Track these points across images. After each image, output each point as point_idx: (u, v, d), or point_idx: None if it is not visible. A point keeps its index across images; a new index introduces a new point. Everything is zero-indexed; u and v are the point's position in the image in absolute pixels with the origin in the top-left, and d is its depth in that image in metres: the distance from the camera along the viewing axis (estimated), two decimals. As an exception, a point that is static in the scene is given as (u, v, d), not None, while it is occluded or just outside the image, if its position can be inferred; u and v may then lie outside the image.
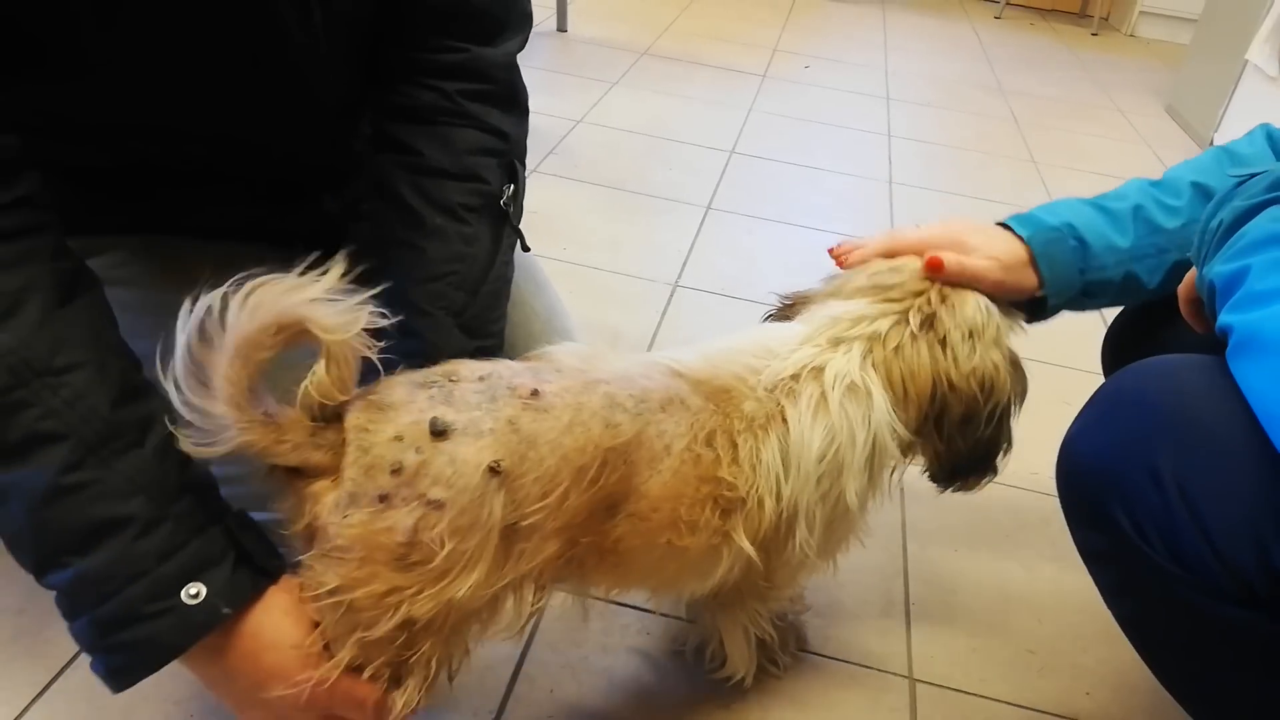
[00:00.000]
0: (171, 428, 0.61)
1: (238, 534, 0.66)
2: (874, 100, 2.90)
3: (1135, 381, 0.71)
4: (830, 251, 0.91)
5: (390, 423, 0.63)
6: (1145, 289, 0.87)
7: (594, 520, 0.69)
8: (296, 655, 0.65)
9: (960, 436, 0.82)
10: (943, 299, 0.81)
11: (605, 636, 1.00)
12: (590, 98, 2.54)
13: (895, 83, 3.09)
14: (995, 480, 0.88)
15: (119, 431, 0.62)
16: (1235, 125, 2.68)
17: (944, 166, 2.48)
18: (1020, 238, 0.85)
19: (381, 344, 0.61)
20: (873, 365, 0.79)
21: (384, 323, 0.60)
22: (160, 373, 0.58)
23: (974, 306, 0.81)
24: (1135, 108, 3.20)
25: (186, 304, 0.57)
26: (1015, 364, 0.84)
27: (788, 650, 0.98)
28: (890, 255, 0.86)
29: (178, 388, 0.58)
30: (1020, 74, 3.41)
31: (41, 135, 0.68)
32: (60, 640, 0.90)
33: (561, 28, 3.05)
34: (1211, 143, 2.77)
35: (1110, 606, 0.78)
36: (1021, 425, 0.86)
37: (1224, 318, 0.64)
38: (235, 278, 0.57)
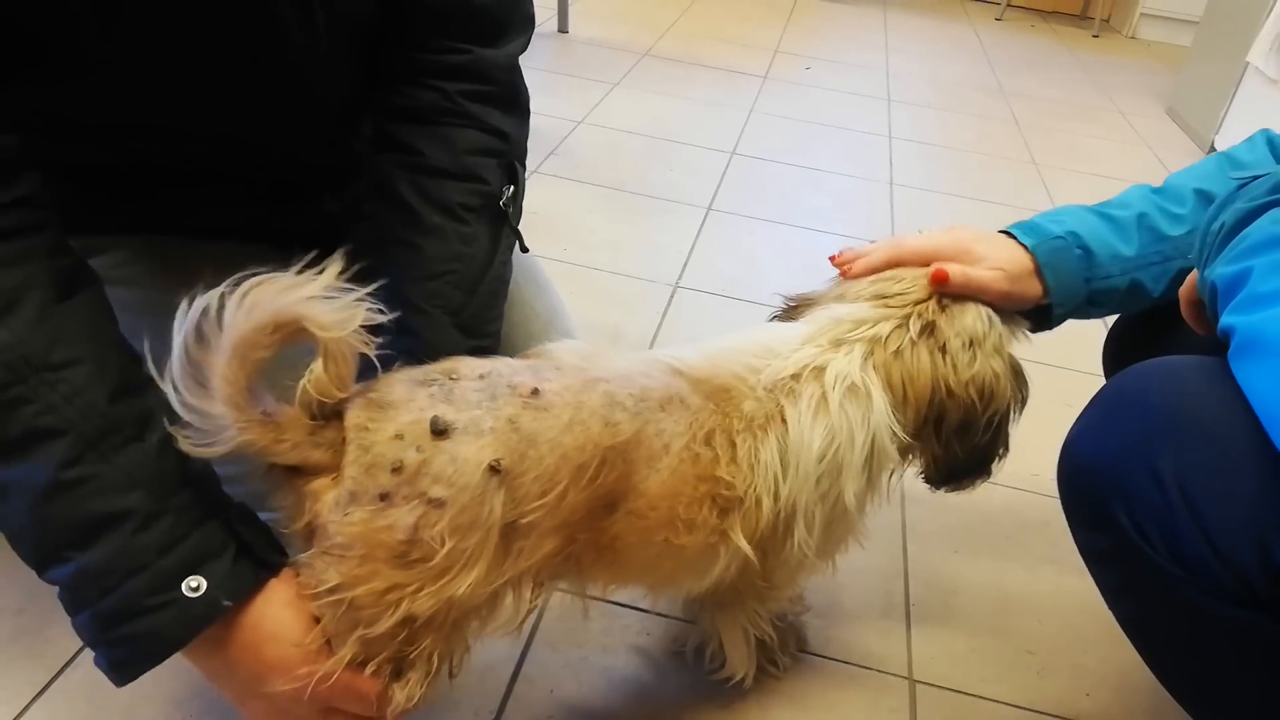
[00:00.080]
0: (170, 428, 0.61)
1: (238, 527, 0.66)
2: (875, 102, 2.90)
3: (1137, 382, 0.71)
4: (832, 259, 0.89)
5: (391, 421, 0.63)
6: (1150, 296, 0.87)
7: (592, 518, 0.69)
8: (298, 650, 0.65)
9: (957, 442, 0.82)
10: (942, 308, 0.81)
11: (605, 636, 1.00)
12: (591, 99, 2.54)
13: (896, 84, 3.09)
14: (995, 482, 0.87)
15: (118, 426, 0.62)
16: (1236, 127, 2.68)
17: (945, 168, 2.48)
18: (1025, 246, 0.85)
19: (379, 341, 0.61)
20: (874, 367, 0.79)
21: (381, 320, 0.60)
22: (157, 374, 0.58)
23: (974, 315, 0.81)
24: (1136, 110, 3.20)
25: (183, 305, 0.57)
26: (1017, 372, 0.84)
27: (788, 651, 0.98)
28: (894, 266, 0.84)
29: (175, 388, 0.58)
30: (1021, 76, 3.41)
31: (41, 135, 0.69)
32: (60, 640, 0.90)
33: (562, 29, 3.06)
34: (1212, 144, 2.77)
35: (1111, 607, 0.78)
36: (1022, 427, 0.86)
37: (1226, 319, 0.64)
38: (232, 277, 0.57)
